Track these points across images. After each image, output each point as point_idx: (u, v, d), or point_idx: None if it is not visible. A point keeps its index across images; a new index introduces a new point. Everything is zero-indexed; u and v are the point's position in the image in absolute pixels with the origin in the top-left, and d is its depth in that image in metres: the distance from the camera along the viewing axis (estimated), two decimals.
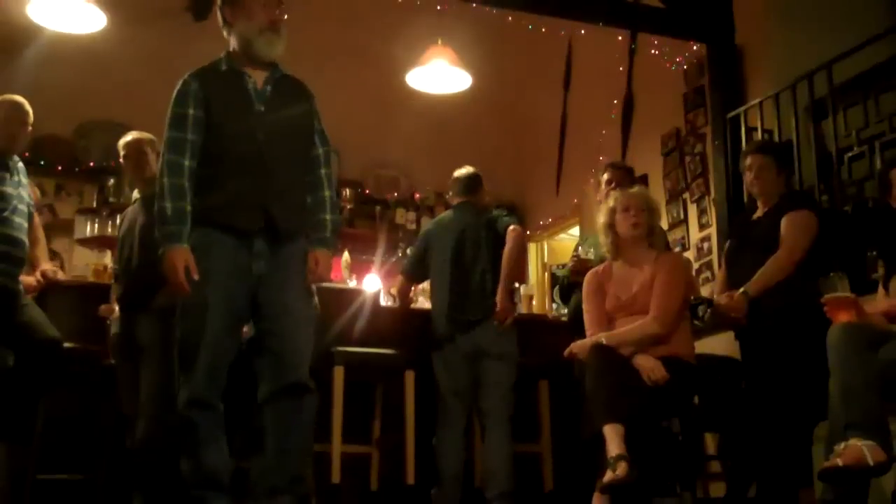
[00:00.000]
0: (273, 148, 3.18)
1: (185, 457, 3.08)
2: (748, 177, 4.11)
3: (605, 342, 3.69)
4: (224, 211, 3.12)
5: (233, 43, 3.26)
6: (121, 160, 4.35)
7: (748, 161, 4.10)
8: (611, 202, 4.03)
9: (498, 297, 4.38)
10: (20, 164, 4.18)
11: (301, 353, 3.17)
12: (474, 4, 5.51)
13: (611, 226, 3.97)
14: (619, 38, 6.74)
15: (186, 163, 3.09)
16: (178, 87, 3.17)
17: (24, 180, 4.18)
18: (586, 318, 3.97)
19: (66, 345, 4.00)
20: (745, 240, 4.08)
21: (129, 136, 4.32)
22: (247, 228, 3.13)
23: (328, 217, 3.32)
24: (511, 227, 4.48)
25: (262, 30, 3.19)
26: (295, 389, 3.14)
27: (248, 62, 3.24)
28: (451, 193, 4.85)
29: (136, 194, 4.40)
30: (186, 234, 3.06)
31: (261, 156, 3.16)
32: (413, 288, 4.98)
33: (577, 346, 3.80)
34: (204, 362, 3.06)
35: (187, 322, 3.13)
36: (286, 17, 3.27)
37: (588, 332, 3.91)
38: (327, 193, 3.33)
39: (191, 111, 3.12)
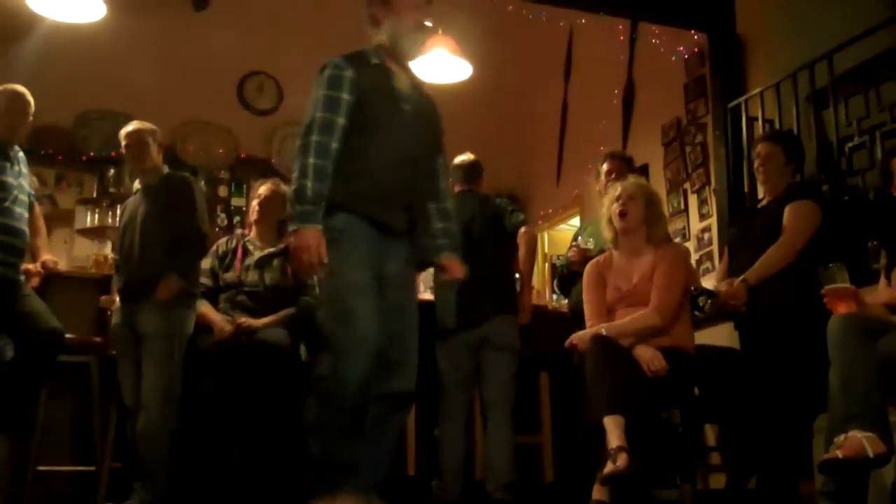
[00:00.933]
0: (419, 150, 3.20)
1: (340, 440, 2.93)
2: (755, 164, 4.11)
3: (605, 333, 3.69)
4: (374, 203, 3.06)
5: (379, 38, 3.25)
6: (122, 150, 4.35)
7: (757, 149, 4.11)
8: (611, 194, 4.03)
9: (526, 302, 4.49)
10: (21, 154, 4.17)
11: (415, 361, 3.16)
12: None
13: (610, 218, 3.97)
14: (620, 27, 6.72)
15: (334, 145, 3.02)
16: (330, 69, 3.10)
17: (25, 170, 4.18)
18: (586, 308, 3.96)
19: (67, 335, 4.00)
20: (747, 229, 4.07)
21: (131, 126, 4.32)
22: (394, 226, 3.09)
23: (453, 227, 3.38)
24: (523, 230, 4.49)
25: (411, 29, 3.22)
26: (404, 399, 3.12)
27: (393, 60, 3.24)
28: (450, 181, 4.80)
29: (137, 184, 4.40)
30: (321, 217, 2.97)
31: (411, 156, 3.15)
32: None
33: (577, 337, 3.79)
34: (368, 345, 2.96)
35: (342, 301, 2.98)
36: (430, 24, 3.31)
37: (588, 323, 3.90)
38: (450, 205, 3.39)
39: (345, 96, 3.06)
